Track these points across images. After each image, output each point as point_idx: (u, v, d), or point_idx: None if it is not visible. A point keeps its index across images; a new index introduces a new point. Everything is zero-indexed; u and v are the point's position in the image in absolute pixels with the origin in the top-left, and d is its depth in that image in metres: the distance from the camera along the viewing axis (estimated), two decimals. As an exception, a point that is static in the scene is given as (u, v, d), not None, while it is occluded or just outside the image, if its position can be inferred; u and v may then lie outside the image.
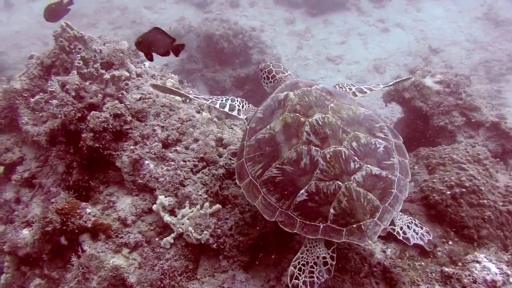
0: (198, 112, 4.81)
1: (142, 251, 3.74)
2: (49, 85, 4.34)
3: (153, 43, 3.61)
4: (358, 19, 16.82)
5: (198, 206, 3.57)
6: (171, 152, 4.04)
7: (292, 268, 2.99)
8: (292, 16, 17.19)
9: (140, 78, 5.20)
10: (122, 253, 3.77)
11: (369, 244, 3.23)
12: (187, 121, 4.44)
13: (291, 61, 14.68)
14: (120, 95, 4.34)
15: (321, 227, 2.85)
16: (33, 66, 5.30)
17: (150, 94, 4.71)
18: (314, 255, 3.03)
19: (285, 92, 3.38)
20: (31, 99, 4.98)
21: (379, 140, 3.16)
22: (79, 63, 4.42)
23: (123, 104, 4.18)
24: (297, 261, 3.02)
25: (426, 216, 4.17)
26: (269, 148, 3.10)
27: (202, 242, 3.37)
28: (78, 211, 3.92)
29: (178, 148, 4.13)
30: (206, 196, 3.67)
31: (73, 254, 3.86)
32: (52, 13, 6.76)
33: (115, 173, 4.17)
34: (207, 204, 3.55)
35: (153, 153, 4.02)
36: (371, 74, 13.92)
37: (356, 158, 2.96)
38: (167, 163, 3.96)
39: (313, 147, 2.95)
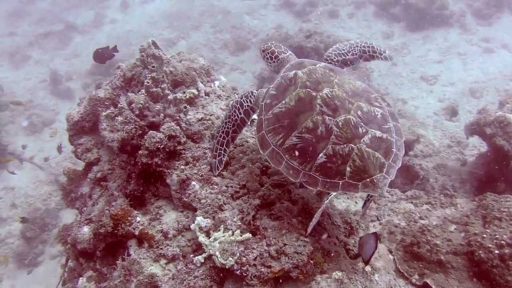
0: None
1: (177, 264, 4.06)
2: (120, 100, 4.82)
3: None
4: (460, 37, 16.01)
5: (230, 232, 3.80)
6: (216, 177, 4.33)
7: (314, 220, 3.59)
8: (391, 30, 16.83)
9: (207, 97, 5.56)
10: (160, 263, 4.12)
11: (382, 194, 3.82)
12: (239, 146, 4.71)
13: (384, 77, 14.41)
14: (178, 117, 4.70)
15: (340, 183, 3.36)
16: (117, 77, 5.87)
17: (211, 115, 5.04)
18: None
19: (294, 71, 3.88)
20: (111, 108, 5.53)
21: (376, 108, 3.70)
22: (148, 82, 4.85)
23: (179, 127, 4.54)
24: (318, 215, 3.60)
25: (468, 272, 4.04)
26: (287, 120, 3.61)
27: (227, 267, 3.60)
28: (129, 218, 4.35)
29: (224, 173, 4.40)
30: (240, 223, 3.89)
31: (120, 256, 4.33)
32: (99, 56, 8.26)
33: (165, 188, 4.56)
34: (238, 231, 3.78)
35: (200, 175, 4.33)
36: (465, 97, 13.23)
37: (362, 124, 3.49)
38: (211, 186, 4.24)
39: (327, 117, 3.48)
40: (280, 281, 3.61)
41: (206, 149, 4.52)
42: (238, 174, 4.32)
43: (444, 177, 8.10)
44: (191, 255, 4.03)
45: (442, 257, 3.88)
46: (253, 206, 3.97)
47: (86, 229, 4.70)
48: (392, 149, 3.54)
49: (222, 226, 3.88)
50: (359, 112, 3.54)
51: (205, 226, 3.97)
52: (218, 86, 5.81)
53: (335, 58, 4.43)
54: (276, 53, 4.32)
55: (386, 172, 3.42)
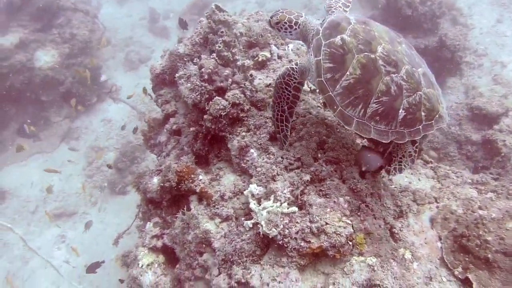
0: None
1: (230, 225, 4.39)
2: (189, 66, 5.07)
3: None
4: None
5: (279, 203, 4.00)
6: (273, 146, 4.49)
7: (391, 167, 4.06)
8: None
9: (280, 60, 5.62)
10: (215, 221, 4.47)
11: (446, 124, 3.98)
12: (302, 117, 4.79)
13: (484, 35, 13.24)
14: (243, 85, 4.85)
15: (421, 127, 3.75)
16: (196, 34, 6.10)
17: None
18: (403, 150, 4.01)
19: (339, 37, 3.81)
20: (189, 64, 5.79)
21: (406, 49, 3.95)
22: (219, 46, 5.02)
23: (243, 94, 4.71)
24: (395, 164, 4.04)
25: None
26: (360, 90, 3.72)
27: (270, 236, 3.84)
28: (193, 176, 4.71)
29: (281, 143, 4.55)
30: (289, 195, 4.07)
31: (181, 209, 4.74)
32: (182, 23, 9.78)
33: (226, 152, 4.82)
34: (285, 204, 3.97)
35: (259, 143, 4.52)
36: None
37: (414, 69, 3.77)
38: (267, 156, 4.43)
39: (393, 75, 3.68)
40: (318, 256, 3.80)
41: (267, 118, 4.67)
42: (295, 146, 4.43)
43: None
44: (243, 218, 4.31)
45: (489, 255, 3.77)
46: (304, 181, 4.11)
47: (155, 180, 5.16)
48: (432, 80, 3.94)
49: (273, 196, 4.08)
50: (406, 58, 3.79)
51: (257, 194, 4.21)
52: (291, 49, 5.82)
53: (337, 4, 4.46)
54: (294, 20, 4.16)
55: (441, 103, 3.86)
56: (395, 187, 4.76)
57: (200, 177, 4.74)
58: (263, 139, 4.53)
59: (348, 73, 3.71)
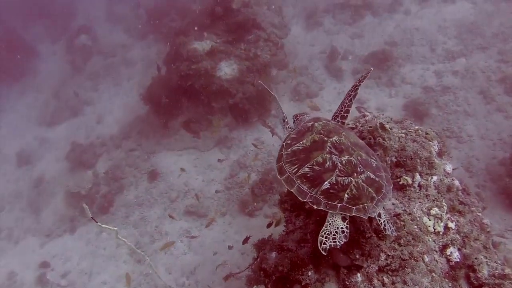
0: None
1: None
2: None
3: None
4: None
5: None
6: (377, 278, 4.90)
7: (320, 237, 4.42)
8: None
9: (418, 190, 5.87)
10: None
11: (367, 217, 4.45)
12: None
13: None
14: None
15: (339, 205, 4.34)
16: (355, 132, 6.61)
17: (409, 214, 5.44)
18: (335, 227, 4.42)
19: (311, 122, 5.11)
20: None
21: (373, 160, 4.80)
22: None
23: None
24: (323, 232, 4.44)
25: None
26: (302, 155, 4.72)
27: None
28: (303, 269, 5.33)
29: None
30: None
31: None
32: None
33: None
34: None
35: (367, 271, 4.97)
36: None
37: (361, 166, 4.55)
38: (370, 285, 4.87)
39: (334, 155, 4.57)
40: None
41: (383, 252, 5.07)
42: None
43: None
44: None
45: None
46: None
47: (273, 255, 5.88)
48: (382, 190, 4.51)
49: None
50: (359, 157, 4.61)
51: None
52: (433, 183, 5.95)
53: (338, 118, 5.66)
54: (298, 116, 5.92)
55: (375, 203, 4.38)
56: None
57: (309, 273, 5.34)
58: (372, 268, 4.97)
59: (301, 142, 4.86)
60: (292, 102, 16.73)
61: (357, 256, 5.07)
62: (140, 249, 12.48)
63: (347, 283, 5.05)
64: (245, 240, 9.18)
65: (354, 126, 6.69)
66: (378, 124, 6.01)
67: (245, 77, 15.55)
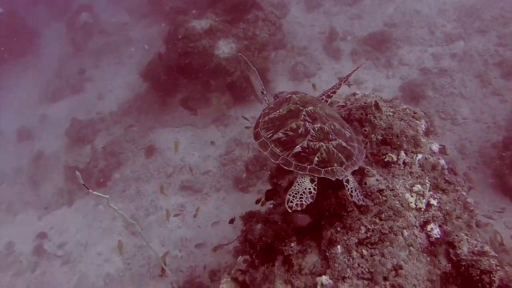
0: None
1: None
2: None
3: None
4: None
5: None
6: (356, 251, 5.09)
7: (288, 195, 4.63)
8: None
9: (402, 168, 6.00)
10: (287, 286, 5.27)
11: (335, 179, 4.66)
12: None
13: None
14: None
15: (308, 167, 4.58)
16: (344, 110, 6.72)
17: (391, 190, 5.56)
18: (303, 187, 4.63)
19: (289, 95, 5.45)
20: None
21: (347, 131, 5.06)
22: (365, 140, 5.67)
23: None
24: (291, 191, 4.64)
25: None
26: (278, 122, 5.00)
27: None
28: (287, 241, 5.52)
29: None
30: None
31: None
32: None
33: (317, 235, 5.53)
34: None
35: (347, 243, 5.16)
36: None
37: (333, 133, 4.81)
38: (348, 256, 5.07)
39: (307, 123, 4.85)
40: None
41: (362, 224, 5.24)
42: (375, 259, 4.98)
43: None
44: None
45: None
46: (367, 295, 4.69)
47: (258, 227, 6.05)
48: (353, 157, 4.77)
49: None
50: (332, 126, 4.87)
51: (326, 286, 4.90)
52: (418, 161, 6.01)
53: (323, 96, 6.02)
54: (279, 94, 6.14)
55: (344, 168, 4.62)
56: None
57: (292, 244, 5.52)
58: (352, 241, 5.15)
59: (278, 111, 5.16)
60: (290, 81, 16.80)
61: (338, 229, 5.24)
62: (136, 221, 12.69)
63: (327, 254, 5.24)
64: (231, 221, 9.35)
65: (344, 104, 6.80)
66: (373, 102, 6.12)
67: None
